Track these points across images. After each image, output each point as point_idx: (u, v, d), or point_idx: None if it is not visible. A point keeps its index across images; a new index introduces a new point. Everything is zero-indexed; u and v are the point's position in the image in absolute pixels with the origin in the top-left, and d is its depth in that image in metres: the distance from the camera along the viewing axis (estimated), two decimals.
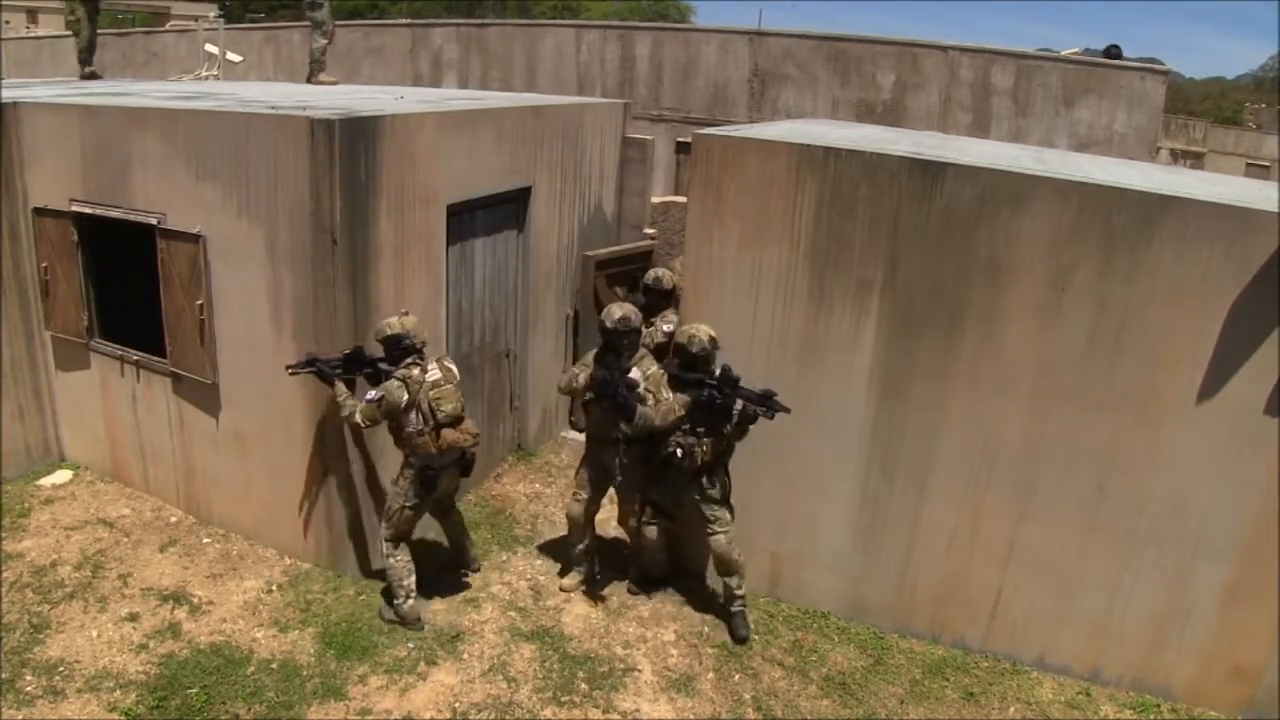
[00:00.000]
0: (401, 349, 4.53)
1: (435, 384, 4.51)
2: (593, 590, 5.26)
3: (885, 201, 4.53)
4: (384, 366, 4.61)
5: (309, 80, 8.63)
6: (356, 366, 4.67)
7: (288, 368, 4.73)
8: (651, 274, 6.32)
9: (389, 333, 4.53)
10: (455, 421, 4.56)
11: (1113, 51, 10.66)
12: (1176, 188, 4.41)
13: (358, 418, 4.50)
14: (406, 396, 4.45)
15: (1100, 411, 4.39)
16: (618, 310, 4.83)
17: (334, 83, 8.67)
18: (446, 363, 4.67)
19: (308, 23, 8.84)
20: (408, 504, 4.69)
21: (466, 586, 5.25)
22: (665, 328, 5.89)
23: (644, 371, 4.77)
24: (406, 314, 4.65)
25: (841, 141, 4.92)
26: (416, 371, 4.50)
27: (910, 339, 4.64)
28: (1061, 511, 4.58)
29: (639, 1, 39.15)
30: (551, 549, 5.70)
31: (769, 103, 12.61)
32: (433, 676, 4.55)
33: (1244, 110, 41.61)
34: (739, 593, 4.95)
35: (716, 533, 4.85)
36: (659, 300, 6.18)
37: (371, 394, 4.50)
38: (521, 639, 4.87)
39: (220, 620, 4.85)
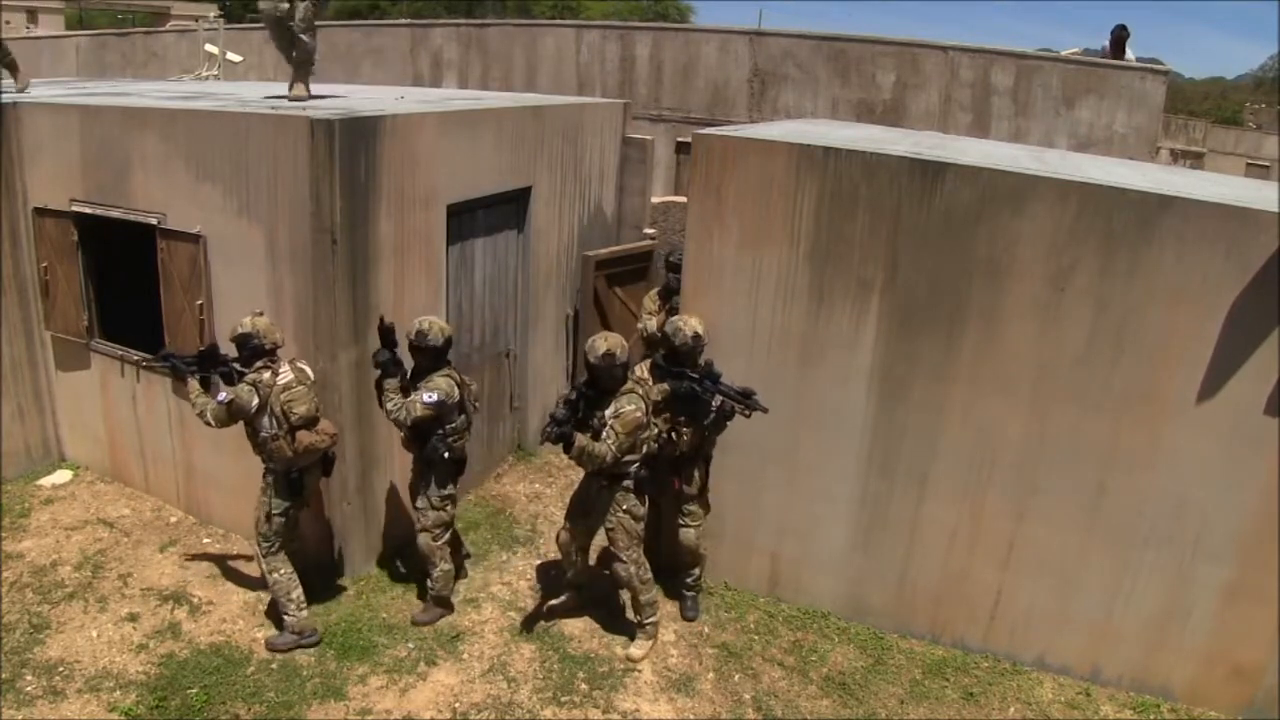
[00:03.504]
0: (250, 349, 4.41)
1: (287, 386, 4.37)
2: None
3: (885, 201, 4.53)
4: (238, 367, 4.51)
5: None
6: (211, 364, 4.58)
7: (142, 362, 4.60)
8: (416, 324, 4.60)
9: (239, 331, 4.41)
10: (310, 423, 4.43)
11: (1119, 33, 10.50)
12: (1177, 188, 4.40)
13: (208, 417, 4.40)
14: (257, 400, 4.33)
15: (1100, 411, 4.39)
16: (600, 344, 4.39)
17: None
18: (300, 364, 4.55)
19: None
20: (276, 511, 4.53)
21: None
22: (426, 397, 4.49)
23: (618, 409, 4.32)
24: (260, 314, 4.52)
25: (841, 141, 4.92)
26: (268, 375, 4.37)
27: (910, 339, 4.64)
28: (1061, 511, 4.58)
29: (639, 1, 39.13)
30: (550, 567, 5.49)
31: (769, 103, 12.60)
32: (433, 676, 4.55)
33: (1244, 110, 41.56)
34: (698, 582, 5.16)
35: (688, 526, 4.94)
36: (423, 360, 4.62)
37: (222, 395, 4.39)
38: (521, 639, 4.86)
39: (220, 620, 4.85)
